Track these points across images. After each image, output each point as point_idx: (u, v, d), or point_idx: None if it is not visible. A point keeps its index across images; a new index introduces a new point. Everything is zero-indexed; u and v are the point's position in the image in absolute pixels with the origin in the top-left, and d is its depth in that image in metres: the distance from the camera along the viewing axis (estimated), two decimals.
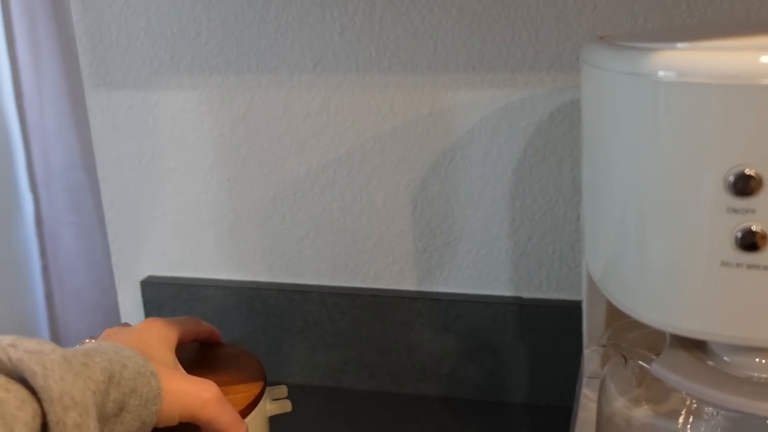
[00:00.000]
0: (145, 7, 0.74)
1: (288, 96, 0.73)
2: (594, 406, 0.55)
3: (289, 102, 0.74)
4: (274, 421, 0.57)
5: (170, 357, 0.51)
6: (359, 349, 0.78)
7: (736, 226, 0.35)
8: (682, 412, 0.48)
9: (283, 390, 0.58)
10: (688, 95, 0.35)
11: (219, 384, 0.48)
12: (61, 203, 1.13)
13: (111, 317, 1.00)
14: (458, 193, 0.72)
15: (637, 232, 0.40)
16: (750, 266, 0.36)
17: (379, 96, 0.71)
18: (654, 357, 0.45)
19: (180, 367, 0.51)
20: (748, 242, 0.35)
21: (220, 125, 0.76)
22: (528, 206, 0.71)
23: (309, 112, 0.73)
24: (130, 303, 0.86)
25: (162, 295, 0.82)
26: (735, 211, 0.35)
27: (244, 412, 0.51)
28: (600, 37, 0.46)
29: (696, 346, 0.45)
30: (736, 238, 0.35)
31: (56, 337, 1.17)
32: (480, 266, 0.74)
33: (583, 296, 0.55)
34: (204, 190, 0.79)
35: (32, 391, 0.37)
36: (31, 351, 0.37)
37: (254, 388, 0.54)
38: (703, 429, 0.47)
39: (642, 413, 0.50)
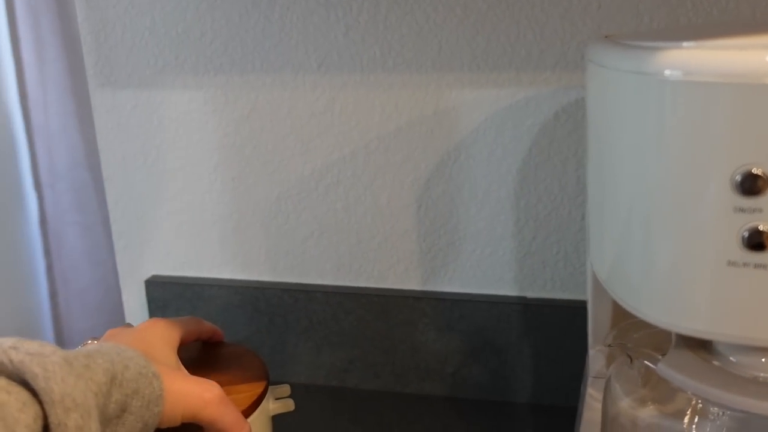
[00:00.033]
0: (150, 7, 0.74)
1: (292, 96, 0.73)
2: (599, 406, 0.54)
3: (293, 102, 0.74)
4: (278, 421, 0.57)
5: (173, 357, 0.51)
6: (363, 348, 0.78)
7: (743, 225, 0.35)
8: (688, 413, 0.48)
9: (285, 389, 0.58)
10: (694, 94, 0.35)
11: (222, 383, 0.48)
12: (65, 203, 1.13)
13: (115, 316, 1.00)
14: (463, 192, 0.72)
15: (642, 232, 0.40)
16: (757, 266, 0.36)
17: (383, 96, 0.71)
18: (660, 357, 0.45)
19: (182, 367, 0.51)
20: (755, 242, 0.35)
21: (224, 125, 0.76)
22: (533, 206, 0.71)
23: (313, 111, 0.73)
24: (134, 302, 0.86)
25: (166, 295, 0.82)
26: (742, 210, 0.35)
27: (247, 412, 0.51)
28: (605, 36, 0.46)
29: (702, 346, 0.45)
30: (743, 237, 0.35)
31: (60, 336, 1.17)
32: (484, 266, 0.74)
33: (588, 296, 0.55)
34: (208, 189, 0.79)
35: (34, 393, 0.37)
36: (33, 353, 0.37)
37: (257, 388, 0.54)
38: (708, 429, 0.47)
39: (647, 413, 0.49)
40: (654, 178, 0.38)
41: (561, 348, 0.72)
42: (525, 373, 0.74)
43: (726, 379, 0.42)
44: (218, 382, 0.48)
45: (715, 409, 0.46)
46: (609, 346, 0.51)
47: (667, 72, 0.36)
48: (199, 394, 0.46)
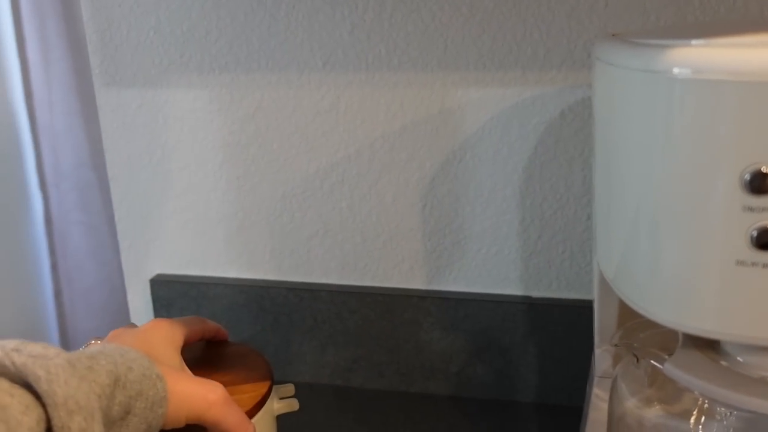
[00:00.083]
0: (155, 6, 0.74)
1: (297, 94, 0.73)
2: (605, 406, 0.54)
3: (298, 100, 0.73)
4: (282, 420, 0.57)
5: (176, 358, 0.51)
6: (368, 347, 0.78)
7: (751, 224, 0.35)
8: (695, 413, 0.48)
9: (290, 388, 0.58)
10: (703, 92, 0.35)
11: (225, 383, 0.48)
12: (70, 202, 1.13)
13: (120, 315, 1.01)
14: (468, 191, 0.72)
15: (650, 231, 0.39)
16: (765, 265, 0.35)
17: (388, 94, 0.71)
18: (666, 357, 0.45)
19: (186, 368, 0.51)
20: (764, 241, 0.35)
21: (229, 124, 0.76)
22: (538, 205, 0.71)
23: (318, 110, 0.73)
24: (139, 301, 0.86)
25: (171, 294, 0.82)
26: (751, 209, 0.35)
27: (251, 412, 0.51)
28: (613, 35, 0.45)
29: (709, 346, 0.44)
30: (751, 236, 0.35)
31: (65, 335, 1.17)
32: (489, 265, 0.74)
33: (595, 295, 0.55)
34: (213, 188, 0.79)
35: (37, 396, 0.36)
36: (35, 355, 0.37)
37: (261, 388, 0.53)
38: (715, 429, 0.47)
39: (654, 413, 0.49)
40: (662, 176, 0.38)
41: (566, 347, 0.72)
42: (530, 372, 0.74)
43: (733, 380, 0.42)
44: (222, 381, 0.48)
45: (722, 409, 0.46)
46: (615, 345, 0.51)
47: (675, 70, 0.35)
48: (203, 395, 0.46)
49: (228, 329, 0.60)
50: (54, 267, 1.16)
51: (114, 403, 0.40)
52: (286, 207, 0.77)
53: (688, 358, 0.44)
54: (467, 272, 0.75)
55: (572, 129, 0.68)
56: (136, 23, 0.75)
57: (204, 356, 0.58)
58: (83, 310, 1.18)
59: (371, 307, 0.76)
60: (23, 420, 0.35)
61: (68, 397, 0.36)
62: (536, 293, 0.74)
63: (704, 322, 0.39)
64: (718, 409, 0.46)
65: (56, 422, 0.36)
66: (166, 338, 0.51)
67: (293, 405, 0.57)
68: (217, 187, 0.79)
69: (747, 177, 0.34)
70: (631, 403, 0.50)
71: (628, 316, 0.52)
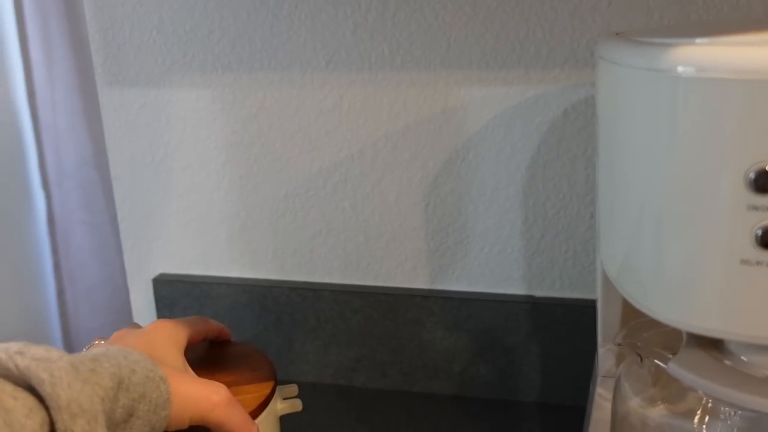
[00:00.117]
0: (158, 6, 0.74)
1: (300, 94, 0.73)
2: (608, 405, 0.54)
3: (301, 100, 0.73)
4: (286, 420, 0.57)
5: (179, 359, 0.51)
6: (371, 347, 0.78)
7: (756, 223, 0.35)
8: (698, 412, 0.47)
9: (293, 389, 0.58)
10: (707, 91, 0.35)
11: (229, 384, 0.48)
12: (73, 201, 1.13)
13: (123, 315, 1.01)
14: (471, 190, 0.72)
15: (654, 230, 0.39)
16: None
17: (391, 93, 0.71)
18: (670, 356, 0.45)
19: (189, 369, 0.51)
20: None
21: (232, 123, 0.76)
22: (541, 204, 0.71)
23: (321, 110, 0.73)
24: (141, 301, 0.86)
25: (174, 293, 0.82)
26: (755, 208, 0.35)
27: (255, 413, 0.51)
28: (616, 33, 0.45)
29: (713, 345, 0.44)
30: (756, 235, 0.35)
31: (68, 335, 1.17)
32: (492, 264, 0.74)
33: (598, 295, 0.55)
34: (216, 188, 0.79)
35: (40, 399, 0.36)
36: (39, 358, 0.37)
37: (264, 388, 0.53)
38: (719, 429, 0.47)
39: (657, 413, 0.49)
40: (666, 175, 0.38)
41: (569, 347, 0.72)
42: (533, 372, 0.74)
43: (737, 379, 0.42)
44: (225, 382, 0.48)
45: (726, 408, 0.46)
46: (619, 345, 0.51)
47: (680, 68, 0.35)
48: (207, 396, 0.46)
49: (231, 329, 0.60)
50: (56, 266, 1.16)
51: (117, 406, 0.40)
52: (289, 206, 0.77)
53: (692, 358, 0.44)
54: (470, 271, 0.75)
55: (575, 128, 0.68)
56: (138, 23, 0.75)
57: (207, 356, 0.58)
58: (86, 310, 1.18)
59: (374, 307, 0.76)
60: (27, 423, 0.35)
61: (71, 400, 0.36)
62: (539, 292, 0.73)
63: (708, 321, 0.39)
64: (722, 408, 0.46)
65: (60, 425, 0.36)
66: (170, 339, 0.51)
67: (297, 405, 0.57)
68: (220, 186, 0.79)
69: (751, 176, 0.34)
70: (634, 403, 0.50)
71: (631, 315, 0.52)
